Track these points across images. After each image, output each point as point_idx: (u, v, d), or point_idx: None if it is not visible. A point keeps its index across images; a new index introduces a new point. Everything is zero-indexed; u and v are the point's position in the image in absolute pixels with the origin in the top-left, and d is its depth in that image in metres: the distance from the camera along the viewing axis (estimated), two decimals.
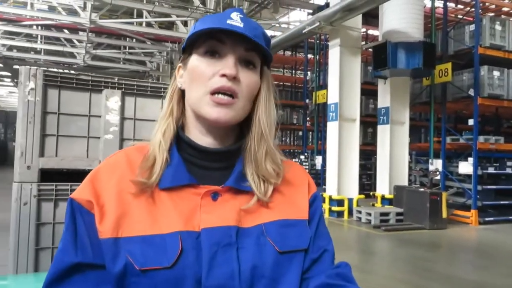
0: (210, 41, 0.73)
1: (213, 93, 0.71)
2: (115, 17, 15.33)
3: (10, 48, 17.03)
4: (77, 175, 2.80)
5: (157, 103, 3.01)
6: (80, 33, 15.27)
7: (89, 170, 2.58)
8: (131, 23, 14.07)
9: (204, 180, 0.74)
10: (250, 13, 13.37)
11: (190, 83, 0.75)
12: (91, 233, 0.69)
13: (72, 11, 13.92)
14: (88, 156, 2.81)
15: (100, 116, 2.83)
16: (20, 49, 17.69)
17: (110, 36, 16.48)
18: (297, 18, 16.86)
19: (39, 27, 15.43)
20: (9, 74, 21.25)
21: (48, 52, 17.58)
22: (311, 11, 15.33)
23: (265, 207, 0.75)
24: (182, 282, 0.66)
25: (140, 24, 14.55)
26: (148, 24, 14.92)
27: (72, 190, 2.71)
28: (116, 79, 2.87)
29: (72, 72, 2.73)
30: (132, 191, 0.71)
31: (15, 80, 23.05)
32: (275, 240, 0.72)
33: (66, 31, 15.61)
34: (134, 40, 16.88)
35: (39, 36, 16.71)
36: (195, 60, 0.75)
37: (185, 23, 14.98)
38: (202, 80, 0.72)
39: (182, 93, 0.79)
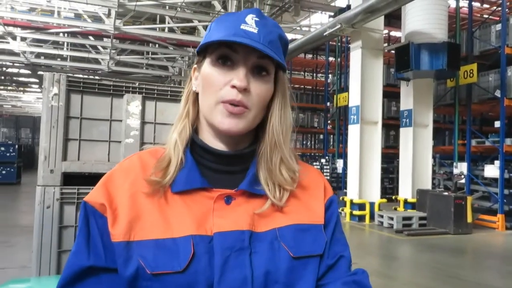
0: (223, 48, 0.72)
1: (224, 103, 0.71)
2: (139, 23, 15.60)
3: (38, 55, 17.54)
4: (99, 179, 2.86)
5: (177, 107, 3.04)
6: (105, 39, 15.59)
7: None
8: (154, 29, 14.31)
9: (217, 184, 0.74)
10: (271, 16, 13.39)
11: (202, 89, 0.75)
12: (104, 237, 0.70)
13: (97, 18, 14.27)
14: (110, 160, 2.87)
15: (121, 121, 2.88)
16: (47, 56, 18.20)
17: (134, 42, 16.79)
18: (318, 21, 16.79)
19: (66, 35, 15.85)
20: (36, 80, 21.88)
21: (73, 59, 18.04)
22: (332, 13, 15.26)
23: (279, 211, 0.74)
24: (193, 287, 0.66)
25: (163, 29, 14.79)
26: (171, 30, 15.15)
27: None
28: (137, 84, 2.92)
29: (95, 77, 2.79)
30: (145, 191, 0.71)
31: (42, 86, 23.71)
32: (289, 245, 0.71)
33: (91, 37, 15.98)
34: (157, 45, 17.15)
35: (65, 43, 17.15)
36: (208, 66, 0.74)
37: (205, 28, 15.15)
38: (214, 89, 0.72)
39: (197, 95, 0.79)
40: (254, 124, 0.75)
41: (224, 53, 0.72)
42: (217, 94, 0.71)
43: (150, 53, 18.48)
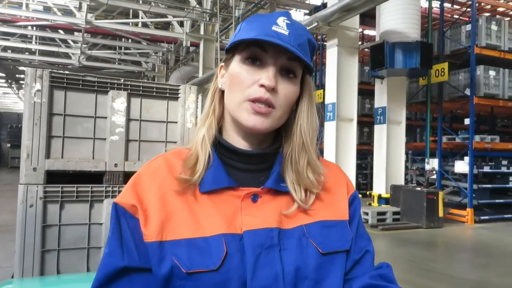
0: (253, 48, 0.72)
1: (252, 101, 0.72)
2: (111, 17, 15.28)
3: (5, 48, 16.91)
4: (83, 177, 2.80)
5: (163, 104, 3.01)
6: (75, 33, 15.19)
7: (95, 172, 2.55)
8: (127, 24, 14.03)
9: (242, 182, 0.75)
10: (246, 13, 13.37)
11: (229, 87, 0.75)
12: (136, 237, 0.70)
13: (67, 12, 13.88)
14: (94, 157, 2.81)
15: (106, 118, 2.83)
16: (14, 49, 17.57)
17: (106, 37, 16.43)
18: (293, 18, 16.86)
19: (34, 28, 15.33)
20: (3, 75, 21.09)
21: (42, 53, 17.48)
22: (306, 11, 15.37)
23: (305, 211, 0.76)
24: (227, 285, 0.67)
25: (136, 24, 14.53)
26: (144, 25, 14.91)
27: (78, 192, 2.70)
28: (122, 80, 2.87)
29: (80, 73, 2.73)
30: (175, 189, 0.72)
31: (9, 81, 22.88)
32: (317, 241, 0.73)
33: (61, 31, 15.54)
34: (130, 40, 16.84)
35: (34, 37, 16.59)
36: (236, 65, 0.75)
37: (181, 24, 14.97)
38: (242, 87, 0.73)
39: (222, 93, 0.79)
40: (279, 124, 0.76)
41: (254, 52, 0.73)
42: (245, 92, 0.72)
43: (122, 48, 18.14)
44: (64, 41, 16.66)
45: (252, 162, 0.77)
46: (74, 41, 16.26)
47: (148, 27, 15.10)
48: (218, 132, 0.78)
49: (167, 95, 3.02)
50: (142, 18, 14.38)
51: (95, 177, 2.81)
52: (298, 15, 16.68)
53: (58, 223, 2.65)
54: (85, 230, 2.74)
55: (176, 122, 3.07)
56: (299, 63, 0.74)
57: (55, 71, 2.68)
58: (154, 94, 2.97)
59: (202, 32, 14.32)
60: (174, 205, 0.72)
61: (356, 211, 0.82)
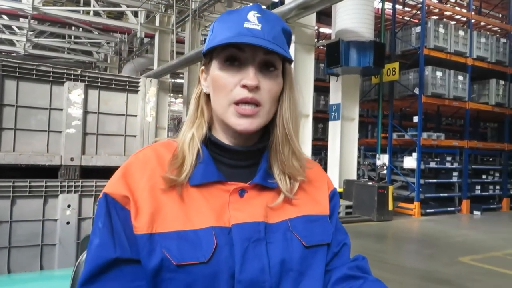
0: (230, 49, 0.73)
1: (237, 103, 0.72)
2: (60, 4, 14.57)
3: None
4: (37, 171, 2.67)
5: (122, 96, 2.93)
6: (21, 19, 14.37)
7: (50, 166, 2.44)
8: (77, 12, 13.45)
9: (231, 178, 0.76)
10: (204, 6, 13.22)
11: (214, 91, 0.76)
12: (126, 229, 0.70)
13: None
14: (49, 151, 2.69)
15: (61, 110, 2.71)
16: None
17: (54, 24, 15.64)
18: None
19: None
20: None
21: None
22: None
23: (289, 203, 0.78)
24: (217, 277, 0.68)
25: (87, 13, 13.96)
26: (96, 13, 14.35)
27: (31, 187, 2.58)
28: (80, 71, 2.76)
29: (34, 63, 2.59)
30: (162, 187, 0.72)
31: None
32: (301, 234, 0.75)
33: (5, 17, 14.62)
34: (80, 29, 16.15)
35: None
36: (216, 68, 0.75)
37: (135, 14, 14.55)
38: (225, 91, 0.73)
39: (208, 95, 0.80)
40: (268, 119, 0.77)
41: (231, 53, 0.73)
42: (229, 95, 0.73)
43: (72, 36, 17.37)
44: (8, 27, 15.72)
45: (240, 159, 0.78)
46: (20, 28, 15.38)
47: (100, 16, 14.56)
48: (209, 131, 0.79)
49: (127, 87, 2.95)
50: (93, 6, 13.80)
51: (50, 172, 2.70)
52: None
53: (9, 220, 2.52)
54: (38, 226, 2.62)
55: (135, 116, 3.00)
56: (277, 54, 0.74)
57: (7, 59, 2.53)
58: (113, 86, 2.89)
59: (157, 23, 14.00)
60: (164, 197, 0.72)
61: (335, 206, 0.86)
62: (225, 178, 0.75)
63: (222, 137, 0.79)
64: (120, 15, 16.32)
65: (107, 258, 0.68)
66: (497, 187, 11.64)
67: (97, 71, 2.83)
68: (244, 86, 0.71)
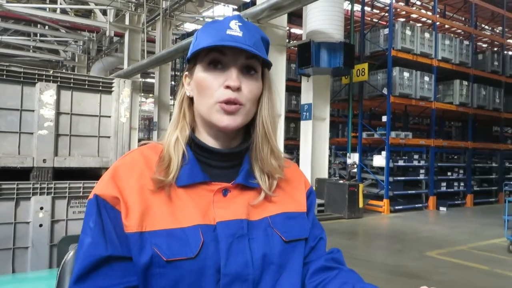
0: (213, 53, 0.78)
1: (221, 103, 0.77)
2: (25, 1, 14.13)
3: None
4: (7, 174, 2.62)
5: (96, 97, 2.90)
6: None
7: (22, 168, 2.41)
8: (43, 9, 13.08)
9: (215, 178, 0.81)
10: (174, 5, 13.12)
11: (198, 93, 0.81)
12: (117, 228, 0.74)
13: None
14: (20, 152, 2.64)
15: (33, 111, 2.67)
16: None
17: (19, 22, 15.17)
18: (221, 13, 16.87)
19: None
20: None
21: None
22: (235, 6, 15.44)
23: (269, 201, 0.84)
24: (204, 271, 0.72)
25: (54, 10, 13.59)
26: (63, 11, 13.99)
27: (2, 189, 2.53)
28: (52, 72, 2.72)
29: (3, 63, 2.54)
30: (151, 188, 0.76)
31: None
32: (281, 230, 0.81)
33: None
34: (46, 27, 15.71)
35: None
36: (200, 72, 0.80)
37: (104, 12, 14.28)
38: (210, 91, 0.78)
39: (190, 99, 0.85)
40: (249, 118, 0.82)
41: (215, 57, 0.79)
42: (214, 95, 0.78)
43: (38, 34, 16.87)
44: None
45: (224, 160, 0.83)
46: None
47: (68, 14, 14.22)
48: (192, 133, 0.83)
49: (100, 88, 2.92)
50: (60, 3, 13.45)
51: (22, 174, 2.65)
52: (227, 10, 16.72)
53: None
54: (10, 229, 2.57)
55: (109, 117, 2.98)
56: (257, 59, 0.81)
57: None
58: (86, 87, 2.86)
59: (127, 22, 13.79)
60: (153, 197, 0.76)
61: (312, 204, 0.93)
62: (209, 178, 0.80)
63: (206, 138, 0.83)
64: (88, 13, 15.98)
65: (99, 255, 0.71)
66: (462, 184, 12.12)
67: (69, 72, 2.79)
68: (227, 87, 0.77)
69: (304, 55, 9.37)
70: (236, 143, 0.85)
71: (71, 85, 2.80)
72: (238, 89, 0.77)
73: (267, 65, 0.84)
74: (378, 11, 13.83)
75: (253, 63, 0.80)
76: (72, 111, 2.82)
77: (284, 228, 0.82)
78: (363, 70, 10.17)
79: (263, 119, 0.83)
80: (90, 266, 0.71)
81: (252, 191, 0.82)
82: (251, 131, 0.85)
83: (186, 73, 0.85)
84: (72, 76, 2.81)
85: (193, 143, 0.82)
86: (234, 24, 0.79)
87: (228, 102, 0.77)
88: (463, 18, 15.99)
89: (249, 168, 0.83)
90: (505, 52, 13.96)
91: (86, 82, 2.86)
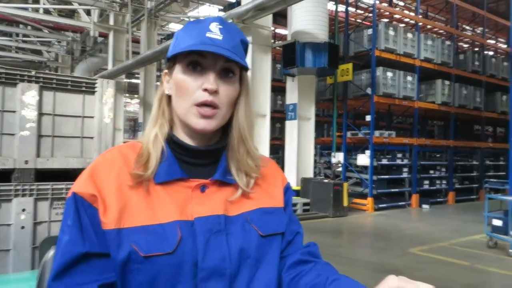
0: (193, 55, 0.80)
1: (198, 105, 0.80)
2: (7, 1, 13.90)
3: None
4: None
5: (79, 97, 2.90)
6: None
7: (3, 170, 2.41)
8: (26, 9, 12.90)
9: (193, 175, 0.83)
10: (159, 5, 13.07)
11: (176, 94, 0.83)
12: (94, 225, 0.75)
13: None
14: (1, 154, 2.63)
15: (15, 112, 2.66)
16: None
17: (1, 22, 14.93)
18: (206, 14, 16.85)
19: None
20: None
21: None
22: (220, 7, 15.44)
23: (247, 198, 0.86)
24: (181, 266, 0.74)
25: (37, 10, 13.40)
26: (46, 11, 13.81)
27: None
28: (34, 72, 2.71)
29: None
30: (130, 184, 0.78)
31: None
32: (258, 225, 0.83)
33: None
34: (29, 27, 15.49)
35: None
36: (179, 72, 0.82)
37: (88, 12, 14.14)
38: (188, 93, 0.80)
39: (169, 97, 0.86)
40: (225, 121, 0.84)
41: (194, 59, 0.80)
42: (191, 97, 0.80)
43: (20, 35, 16.62)
44: None
45: (201, 157, 0.85)
46: None
47: (51, 14, 14.03)
48: (170, 130, 0.85)
49: (83, 88, 2.92)
50: (43, 3, 13.27)
51: (3, 175, 2.63)
52: (212, 11, 16.71)
53: None
54: None
55: (92, 117, 2.98)
56: (235, 63, 0.82)
57: None
58: (69, 87, 2.86)
59: (111, 22, 13.68)
60: (131, 195, 0.77)
61: (289, 199, 0.95)
62: (187, 175, 0.82)
63: (183, 137, 0.85)
64: (71, 14, 15.80)
65: (77, 252, 0.73)
66: (444, 182, 12.33)
67: (52, 72, 2.78)
68: (205, 90, 0.79)
69: (289, 55, 9.43)
70: (213, 141, 0.87)
71: (54, 85, 2.79)
72: (215, 92, 0.79)
73: (245, 68, 0.86)
74: (362, 12, 13.97)
75: (231, 66, 0.82)
76: (54, 112, 2.81)
77: (261, 223, 0.84)
78: (347, 70, 10.27)
79: (240, 121, 0.85)
80: (68, 263, 0.72)
81: (230, 187, 0.84)
82: (227, 130, 0.87)
83: (166, 71, 0.87)
84: (54, 77, 2.81)
85: (171, 141, 0.84)
86: (214, 27, 0.81)
87: (204, 104, 0.79)
88: (445, 19, 16.24)
89: (226, 165, 0.85)
90: (486, 52, 14.27)
91: (69, 83, 2.86)
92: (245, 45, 0.86)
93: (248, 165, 0.86)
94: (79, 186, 0.77)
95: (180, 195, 0.80)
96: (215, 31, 0.80)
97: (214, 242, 0.78)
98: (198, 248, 0.76)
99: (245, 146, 0.86)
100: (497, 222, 6.45)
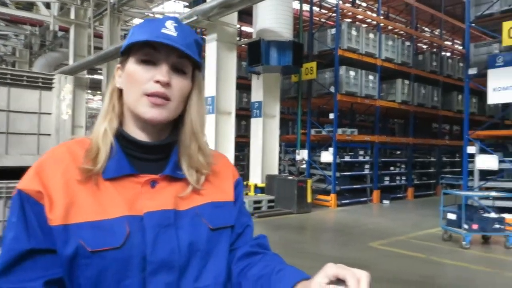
0: (146, 49, 0.81)
1: (149, 95, 0.80)
2: None
3: None
4: None
5: (35, 93, 2.83)
6: None
7: None
8: None
9: (143, 170, 0.83)
10: (122, 0, 12.80)
11: (127, 85, 0.83)
12: (41, 222, 0.74)
13: None
14: None
15: None
16: None
17: None
18: (171, 9, 16.65)
19: None
20: None
21: None
22: (186, 3, 15.30)
23: (197, 193, 0.88)
24: (129, 261, 0.76)
25: None
26: (3, 3, 13.26)
27: None
28: None
29: None
30: (78, 178, 0.78)
31: None
32: (208, 219, 0.86)
33: None
34: None
35: None
36: (132, 65, 0.83)
37: (47, 5, 13.69)
38: (139, 84, 0.81)
39: (121, 91, 0.87)
40: (176, 115, 0.85)
41: (148, 52, 0.82)
42: (142, 87, 0.81)
43: None
44: None
45: (151, 153, 0.85)
46: None
47: (7, 6, 13.48)
48: (120, 126, 0.85)
49: (40, 84, 2.85)
50: None
51: None
52: (178, 7, 16.52)
53: None
54: None
55: (50, 114, 2.92)
56: (188, 60, 0.84)
57: None
58: (25, 83, 2.78)
59: (72, 16, 13.28)
60: (79, 191, 0.77)
61: (239, 193, 0.97)
62: (137, 170, 0.82)
63: (134, 131, 0.85)
64: (30, 6, 15.23)
65: (21, 249, 0.72)
66: (403, 178, 12.76)
67: (7, 67, 2.71)
68: (157, 81, 0.80)
69: (254, 53, 9.48)
70: (163, 136, 0.88)
71: (8, 81, 2.72)
72: (167, 85, 0.80)
73: (198, 67, 0.88)
74: (326, 11, 14.21)
75: (184, 63, 0.84)
76: (9, 108, 2.74)
77: (211, 216, 0.86)
78: (311, 68, 10.43)
79: (192, 117, 0.87)
80: (12, 260, 0.72)
81: (180, 183, 0.86)
82: (179, 126, 0.89)
83: (119, 65, 0.87)
84: (9, 72, 2.73)
85: (120, 136, 0.84)
86: (170, 24, 0.82)
87: (155, 95, 0.80)
88: (405, 20, 16.76)
89: (177, 160, 0.86)
90: (443, 53, 14.84)
91: (25, 78, 2.78)
92: (199, 45, 0.88)
93: (199, 162, 0.87)
94: (25, 183, 0.77)
95: (129, 191, 0.80)
96: (170, 28, 0.82)
97: (163, 236, 0.79)
98: (147, 242, 0.77)
99: (196, 142, 0.87)
100: (451, 216, 6.75)
